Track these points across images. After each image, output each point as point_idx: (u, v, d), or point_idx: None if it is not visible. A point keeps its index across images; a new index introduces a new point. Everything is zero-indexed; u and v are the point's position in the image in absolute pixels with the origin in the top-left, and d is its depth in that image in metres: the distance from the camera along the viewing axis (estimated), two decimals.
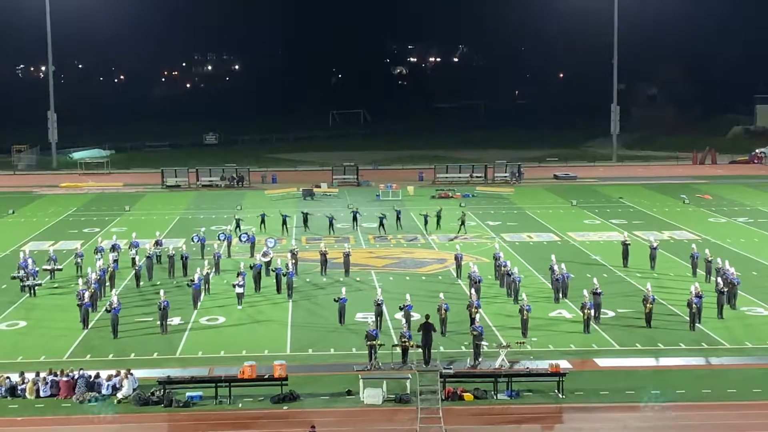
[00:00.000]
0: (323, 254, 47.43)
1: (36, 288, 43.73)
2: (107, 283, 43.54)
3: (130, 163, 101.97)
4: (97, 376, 30.95)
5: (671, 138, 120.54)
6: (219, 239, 53.50)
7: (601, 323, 37.99)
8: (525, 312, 36.48)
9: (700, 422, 28.66)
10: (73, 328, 37.98)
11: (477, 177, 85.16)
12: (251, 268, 43.85)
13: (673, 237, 57.19)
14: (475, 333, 33.12)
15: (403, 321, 35.76)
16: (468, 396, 30.15)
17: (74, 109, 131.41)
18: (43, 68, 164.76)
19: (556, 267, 42.35)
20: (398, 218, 60.36)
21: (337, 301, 38.53)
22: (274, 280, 43.71)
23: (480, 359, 32.85)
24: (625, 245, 49.07)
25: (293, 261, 45.63)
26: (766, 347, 35.36)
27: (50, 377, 30.75)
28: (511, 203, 72.14)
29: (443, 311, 36.38)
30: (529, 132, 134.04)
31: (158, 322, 37.64)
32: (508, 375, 30.88)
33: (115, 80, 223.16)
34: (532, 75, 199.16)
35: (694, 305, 37.38)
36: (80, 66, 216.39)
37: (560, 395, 30.17)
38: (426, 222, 59.23)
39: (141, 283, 45.19)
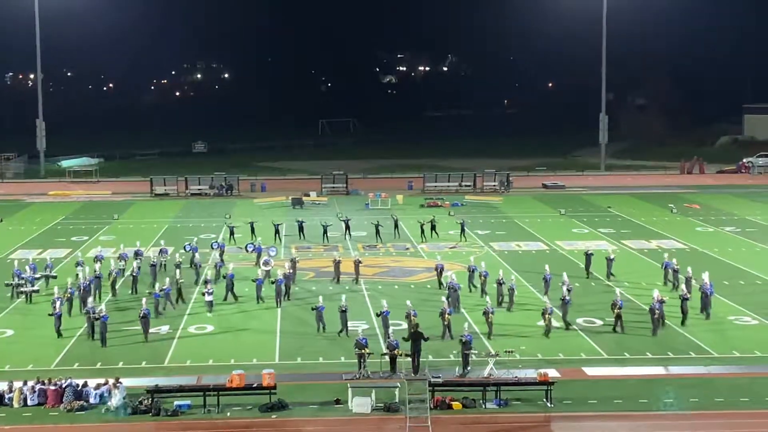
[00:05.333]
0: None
1: (32, 295, 43.63)
2: (93, 293, 43.49)
3: (119, 172, 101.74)
4: (85, 384, 30.87)
5: (659, 147, 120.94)
6: (212, 248, 53.41)
7: (589, 332, 38.12)
8: (489, 315, 37.09)
9: (687, 431, 28.75)
10: (61, 337, 37.83)
11: (466, 186, 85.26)
12: (272, 283, 43.51)
13: (660, 246, 57.34)
14: (463, 342, 33.18)
15: (382, 327, 36.15)
16: (456, 405, 30.17)
17: (63, 117, 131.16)
18: (32, 76, 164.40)
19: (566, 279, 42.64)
20: (396, 227, 60.52)
21: (314, 309, 38.63)
22: (275, 292, 43.16)
23: (469, 368, 32.90)
24: (588, 255, 49.00)
25: (290, 270, 45.50)
26: (754, 356, 35.51)
27: (38, 386, 30.65)
28: (500, 212, 72.26)
29: (412, 317, 36.59)
30: (517, 141, 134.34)
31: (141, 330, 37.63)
32: (496, 384, 30.91)
33: (104, 88, 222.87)
34: (521, 84, 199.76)
35: (656, 311, 37.83)
36: (69, 74, 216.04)
37: (549, 404, 30.21)
38: (422, 231, 59.28)
39: (137, 289, 45.01)
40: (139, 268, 47.14)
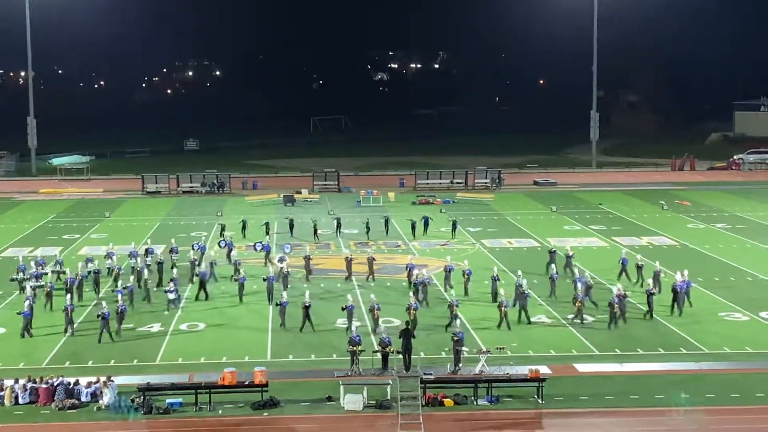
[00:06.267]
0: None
1: (36, 290, 43.53)
2: (90, 288, 43.61)
3: (110, 169, 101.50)
4: (77, 383, 30.85)
5: (650, 144, 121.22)
6: (220, 246, 53.23)
7: (580, 329, 38.23)
8: (454, 308, 37.77)
9: (679, 427, 28.85)
10: (52, 335, 37.84)
11: (457, 183, 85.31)
12: (264, 280, 43.40)
13: (651, 243, 57.55)
14: (455, 339, 33.24)
15: (346, 322, 37.10)
16: (448, 402, 30.24)
17: (54, 115, 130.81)
18: (23, 74, 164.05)
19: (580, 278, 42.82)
20: (386, 225, 60.55)
21: (278, 305, 38.88)
22: (266, 290, 42.89)
23: (460, 365, 32.96)
24: (551, 253, 49.15)
25: (288, 270, 45.34)
26: (744, 352, 35.64)
27: (29, 384, 30.62)
28: (492, 209, 72.34)
29: (375, 311, 37.37)
30: (509, 138, 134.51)
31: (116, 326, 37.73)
32: (488, 380, 30.98)
33: (95, 86, 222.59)
34: (512, 82, 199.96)
35: (615, 305, 38.33)
36: (60, 72, 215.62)
37: (540, 401, 30.29)
38: (413, 228, 59.29)
39: (140, 284, 44.84)
40: (147, 265, 47.29)
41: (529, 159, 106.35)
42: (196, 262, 47.80)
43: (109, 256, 47.99)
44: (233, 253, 51.01)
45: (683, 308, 40.49)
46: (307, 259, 47.80)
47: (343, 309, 37.88)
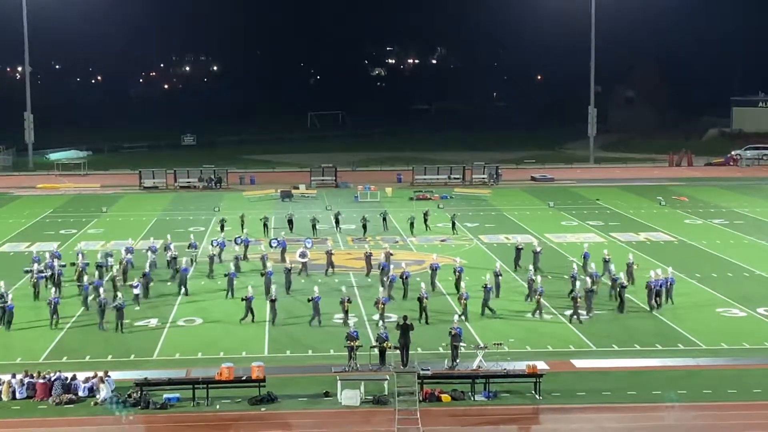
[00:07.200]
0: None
1: (48, 281, 43.73)
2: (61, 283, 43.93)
3: (108, 164, 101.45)
4: (74, 378, 30.84)
5: (648, 140, 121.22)
6: (236, 243, 53.17)
7: (577, 324, 38.24)
8: (424, 300, 38.48)
9: (675, 423, 28.89)
10: (49, 330, 37.83)
11: (455, 179, 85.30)
12: (262, 275, 43.28)
13: (649, 239, 57.59)
14: (453, 334, 33.24)
15: (312, 312, 38.06)
16: (445, 397, 30.25)
17: (51, 109, 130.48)
18: (20, 69, 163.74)
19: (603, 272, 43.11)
20: (384, 220, 60.52)
21: (244, 300, 38.97)
22: (264, 285, 42.58)
23: (458, 360, 32.97)
24: (518, 249, 49.23)
25: (291, 265, 45.31)
26: (741, 348, 35.69)
27: (26, 379, 30.61)
28: (489, 205, 72.35)
29: (346, 303, 37.86)
30: (506, 134, 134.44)
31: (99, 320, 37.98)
32: (485, 376, 31.00)
33: (93, 81, 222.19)
34: (510, 77, 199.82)
35: (579, 299, 38.68)
36: (57, 66, 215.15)
37: (537, 396, 30.33)
38: (412, 225, 59.22)
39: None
40: (169, 260, 47.28)
41: (526, 155, 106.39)
42: (216, 259, 47.88)
43: (128, 251, 48.02)
44: (260, 247, 50.76)
45: (662, 305, 40.54)
46: (329, 254, 47.94)
47: (309, 301, 38.44)
